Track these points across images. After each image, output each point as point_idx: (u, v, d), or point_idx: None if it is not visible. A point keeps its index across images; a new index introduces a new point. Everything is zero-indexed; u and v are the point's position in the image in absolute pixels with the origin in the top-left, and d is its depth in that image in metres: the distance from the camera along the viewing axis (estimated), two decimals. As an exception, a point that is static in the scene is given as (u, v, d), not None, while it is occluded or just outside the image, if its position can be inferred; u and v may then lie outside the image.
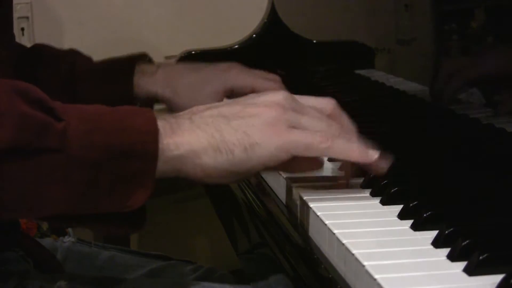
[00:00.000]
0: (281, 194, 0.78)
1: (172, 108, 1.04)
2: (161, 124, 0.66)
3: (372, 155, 0.68)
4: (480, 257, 0.53)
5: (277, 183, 0.80)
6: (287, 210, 0.75)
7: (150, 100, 1.07)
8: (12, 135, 0.60)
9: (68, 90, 1.06)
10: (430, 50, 1.01)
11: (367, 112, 1.10)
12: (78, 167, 0.62)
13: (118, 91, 1.05)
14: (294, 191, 0.73)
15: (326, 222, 0.64)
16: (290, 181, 0.75)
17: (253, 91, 1.00)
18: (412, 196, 0.66)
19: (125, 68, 1.07)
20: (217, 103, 0.71)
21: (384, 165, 0.69)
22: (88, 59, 1.11)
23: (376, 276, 0.53)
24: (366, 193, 0.72)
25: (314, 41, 1.38)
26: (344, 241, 0.59)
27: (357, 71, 1.25)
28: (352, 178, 0.74)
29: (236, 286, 0.89)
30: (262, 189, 0.84)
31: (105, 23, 1.79)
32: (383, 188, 0.70)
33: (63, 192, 0.62)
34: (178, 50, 1.45)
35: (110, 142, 0.63)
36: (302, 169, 0.72)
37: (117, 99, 1.04)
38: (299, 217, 0.72)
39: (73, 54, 1.12)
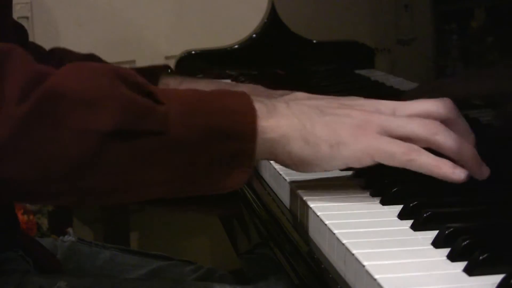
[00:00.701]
0: (284, 196, 0.78)
1: None
2: (258, 106, 0.66)
3: (459, 175, 0.64)
4: (480, 257, 0.53)
5: (278, 185, 0.80)
6: (288, 210, 0.75)
7: None
8: (117, 118, 0.61)
9: None
10: (430, 50, 1.01)
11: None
12: (180, 149, 0.63)
13: None
14: (295, 192, 0.73)
15: (326, 222, 0.64)
16: (294, 185, 0.75)
17: None
18: (412, 196, 0.66)
19: (148, 79, 1.05)
20: (316, 95, 0.72)
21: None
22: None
23: (376, 276, 0.53)
24: (366, 193, 0.72)
25: (314, 41, 1.38)
26: (344, 241, 0.59)
27: (357, 71, 1.25)
28: None
29: (236, 286, 0.89)
30: (263, 189, 0.84)
31: (104, 23, 1.80)
32: (383, 188, 0.70)
33: (163, 175, 0.64)
34: (178, 50, 1.45)
35: (210, 123, 0.64)
36: None
37: None
38: (299, 217, 0.72)
39: (94, 59, 1.09)
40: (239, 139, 0.65)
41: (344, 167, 0.68)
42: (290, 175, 0.77)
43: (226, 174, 0.65)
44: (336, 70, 1.33)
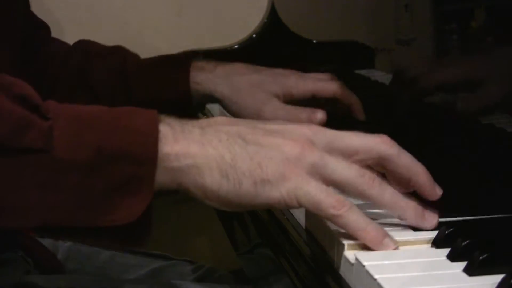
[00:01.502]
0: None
1: (229, 108, 0.97)
2: (163, 128, 0.58)
3: (387, 245, 0.57)
4: (480, 257, 0.53)
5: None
6: (287, 209, 0.75)
7: (205, 98, 1.00)
8: None
9: (121, 85, 1.01)
10: (430, 50, 1.01)
11: (367, 112, 1.10)
12: (65, 170, 0.55)
13: (175, 86, 0.98)
14: None
15: (326, 222, 0.64)
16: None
17: (314, 96, 0.96)
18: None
19: (181, 62, 1.01)
20: (239, 120, 0.63)
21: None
22: (137, 56, 1.06)
23: (376, 276, 0.52)
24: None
25: (314, 41, 1.38)
26: (344, 242, 0.59)
27: (357, 71, 1.25)
28: None
29: (236, 286, 0.89)
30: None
31: (104, 23, 1.79)
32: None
33: (44, 199, 0.55)
34: (178, 50, 1.45)
35: (101, 142, 0.56)
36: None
37: (173, 94, 0.98)
38: (300, 217, 0.72)
39: (122, 50, 1.07)
40: (136, 162, 0.56)
41: (266, 207, 0.63)
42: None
43: (119, 202, 0.57)
44: (336, 70, 1.33)
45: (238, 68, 1.00)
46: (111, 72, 1.02)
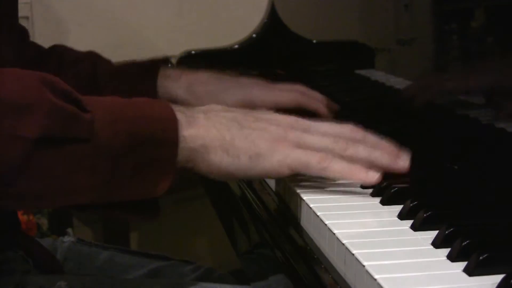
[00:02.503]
0: (287, 200, 0.78)
1: None
2: (179, 115, 0.68)
3: (372, 177, 0.70)
4: (480, 257, 0.53)
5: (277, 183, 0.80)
6: (286, 207, 0.75)
7: None
8: (43, 124, 0.61)
9: (92, 92, 1.05)
10: (430, 50, 1.01)
11: (367, 112, 1.10)
12: (104, 155, 0.64)
13: (142, 93, 1.04)
14: (293, 189, 0.73)
15: (326, 222, 0.64)
16: (290, 181, 0.75)
17: (276, 106, 0.99)
18: (412, 196, 0.66)
19: (149, 70, 1.06)
20: (232, 108, 0.74)
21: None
22: (108, 62, 1.11)
23: (376, 276, 0.53)
24: (366, 193, 0.72)
25: (314, 41, 1.38)
26: (344, 241, 0.59)
27: (357, 71, 1.25)
28: None
29: (236, 286, 0.89)
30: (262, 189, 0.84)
31: (105, 23, 1.80)
32: (383, 188, 0.70)
33: (90, 180, 0.64)
34: (178, 50, 1.45)
35: (133, 130, 0.66)
36: None
37: None
38: (300, 218, 0.72)
39: (94, 56, 1.11)
40: (161, 145, 0.67)
41: (263, 177, 0.73)
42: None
43: (150, 180, 0.67)
44: (336, 70, 1.33)
45: (201, 77, 1.06)
46: (82, 80, 1.05)
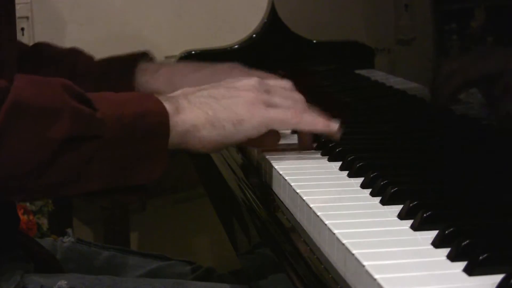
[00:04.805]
0: (287, 201, 0.78)
1: None
2: (167, 105, 0.77)
3: (334, 126, 0.82)
4: (480, 257, 0.53)
5: (278, 184, 0.80)
6: (289, 211, 0.76)
7: None
8: (68, 127, 0.71)
9: None
10: (430, 50, 1.01)
11: (367, 112, 1.10)
12: (113, 147, 0.74)
13: (120, 88, 1.05)
14: (293, 189, 0.73)
15: (326, 222, 0.64)
16: (291, 181, 0.75)
17: None
18: (412, 196, 0.66)
19: (126, 66, 1.07)
20: (202, 86, 0.83)
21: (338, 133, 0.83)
22: (89, 58, 1.12)
23: (376, 276, 0.52)
24: (366, 193, 0.72)
25: (314, 41, 1.38)
26: (344, 241, 0.59)
27: (357, 71, 1.25)
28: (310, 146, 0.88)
29: (236, 286, 0.89)
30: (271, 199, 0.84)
31: (105, 23, 1.80)
32: (383, 188, 0.70)
33: (100, 170, 0.74)
34: (178, 50, 1.45)
35: (134, 125, 0.74)
36: (266, 144, 0.85)
37: None
38: (300, 218, 0.72)
39: (75, 53, 1.12)
40: (156, 138, 0.76)
41: (246, 139, 0.81)
42: (288, 175, 0.77)
43: (147, 168, 0.76)
44: (336, 70, 1.33)
45: (180, 69, 1.09)
46: (62, 76, 1.05)
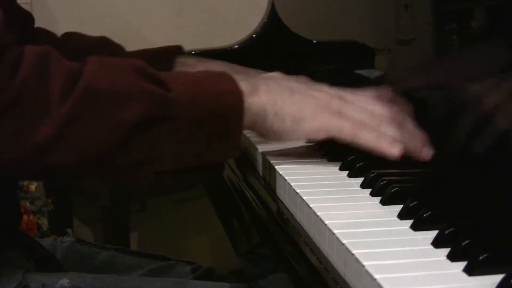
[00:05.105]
0: (287, 201, 0.78)
1: None
2: (243, 85, 0.77)
3: (394, 151, 0.77)
4: (480, 257, 0.53)
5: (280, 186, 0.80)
6: (289, 211, 0.76)
7: None
8: (140, 111, 0.71)
9: None
10: (430, 50, 1.01)
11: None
12: (186, 128, 0.74)
13: None
14: (293, 189, 0.73)
15: (326, 222, 0.64)
16: (291, 181, 0.75)
17: None
18: (412, 196, 0.66)
19: (166, 58, 1.07)
20: (290, 76, 0.83)
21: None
22: (122, 48, 1.12)
23: (376, 276, 0.52)
24: (366, 193, 0.72)
25: (314, 41, 1.38)
26: (344, 241, 0.59)
27: (357, 71, 1.25)
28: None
29: (236, 286, 0.89)
30: (262, 189, 0.84)
31: (105, 23, 1.80)
32: (383, 188, 0.70)
33: (173, 150, 0.74)
34: (178, 50, 1.44)
35: (208, 105, 0.74)
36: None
37: None
38: (300, 218, 0.72)
39: (108, 42, 1.12)
40: (229, 118, 0.75)
41: (304, 139, 0.82)
42: (288, 175, 0.77)
43: (219, 148, 0.76)
44: (336, 70, 1.33)
45: (215, 66, 1.08)
46: None
